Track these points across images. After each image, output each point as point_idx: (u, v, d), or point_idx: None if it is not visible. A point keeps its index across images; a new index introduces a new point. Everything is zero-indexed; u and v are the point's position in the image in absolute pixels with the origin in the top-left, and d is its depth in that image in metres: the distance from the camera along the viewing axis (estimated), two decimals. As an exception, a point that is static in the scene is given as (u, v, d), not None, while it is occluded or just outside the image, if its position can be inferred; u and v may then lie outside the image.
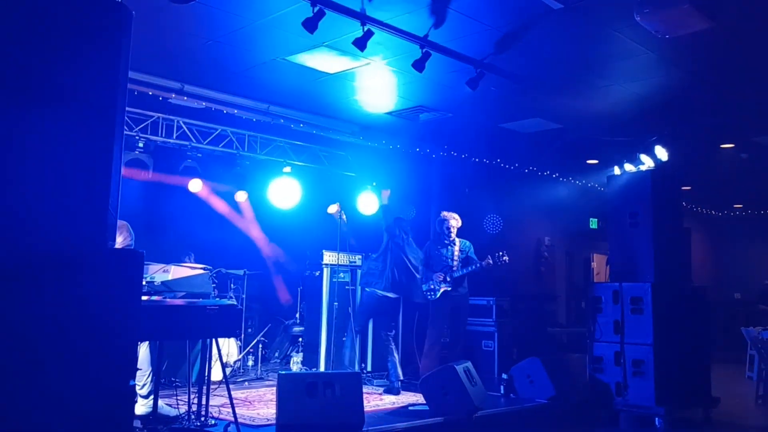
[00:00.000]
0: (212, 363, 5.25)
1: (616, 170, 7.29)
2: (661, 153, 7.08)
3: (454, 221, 7.46)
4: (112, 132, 2.75)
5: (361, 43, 5.43)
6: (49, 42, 2.63)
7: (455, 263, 7.35)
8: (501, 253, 7.20)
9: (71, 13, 2.69)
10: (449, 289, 7.26)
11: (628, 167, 7.20)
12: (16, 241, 2.49)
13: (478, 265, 7.26)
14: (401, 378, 7.18)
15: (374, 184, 9.48)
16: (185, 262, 7.51)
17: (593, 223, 12.84)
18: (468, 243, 7.54)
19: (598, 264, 13.41)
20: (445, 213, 7.56)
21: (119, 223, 5.02)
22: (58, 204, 2.59)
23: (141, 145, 7.18)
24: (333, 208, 7.31)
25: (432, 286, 7.34)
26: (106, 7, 2.80)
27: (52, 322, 2.47)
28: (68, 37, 2.68)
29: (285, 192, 8.43)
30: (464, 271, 7.29)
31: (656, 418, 6.21)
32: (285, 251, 9.15)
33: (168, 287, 5.14)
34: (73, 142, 2.65)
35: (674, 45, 5.85)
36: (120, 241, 5.09)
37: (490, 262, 7.23)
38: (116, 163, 2.78)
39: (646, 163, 7.13)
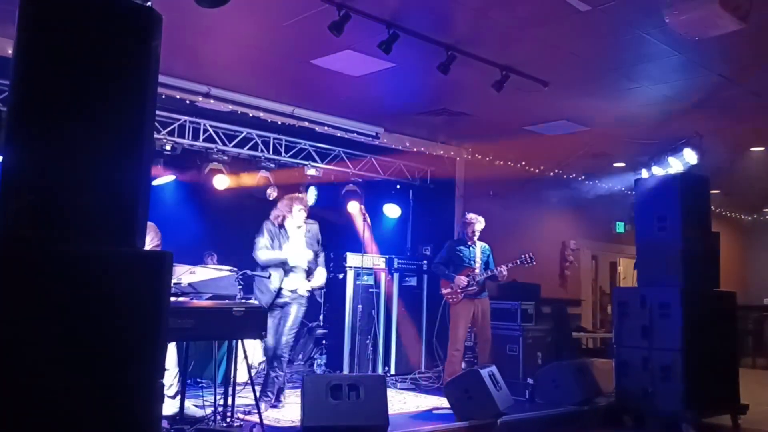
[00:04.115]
0: (238, 364, 5.28)
1: (644, 173, 7.20)
2: (690, 156, 6.99)
3: (479, 224, 7.41)
4: (141, 135, 2.76)
5: (386, 46, 5.45)
6: (80, 48, 2.65)
7: (477, 265, 7.29)
8: (529, 255, 7.12)
9: (101, 18, 2.70)
10: (472, 292, 7.21)
11: (656, 170, 7.11)
12: (46, 241, 2.52)
13: (495, 270, 7.19)
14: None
15: (398, 186, 9.49)
16: (207, 262, 7.57)
17: (620, 227, 12.73)
18: (488, 246, 7.46)
19: (625, 268, 13.29)
20: (471, 215, 7.49)
21: (147, 224, 5.08)
22: (87, 205, 2.61)
23: (168, 147, 7.24)
24: (354, 207, 7.17)
25: (454, 289, 7.29)
26: (136, 12, 2.81)
27: (81, 322, 2.48)
28: (98, 41, 2.68)
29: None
30: (486, 274, 7.21)
31: (684, 424, 6.12)
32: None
33: (195, 289, 5.20)
34: (102, 146, 2.66)
35: (704, 47, 5.76)
36: (147, 242, 5.14)
37: (504, 274, 7.10)
38: (145, 165, 2.79)
39: (675, 166, 7.05)
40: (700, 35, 5.27)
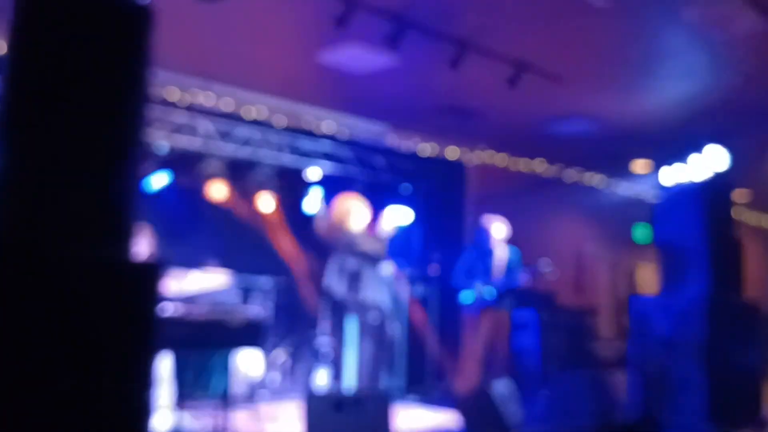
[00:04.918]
0: (235, 376, 5.17)
1: (665, 176, 7.02)
2: (714, 158, 6.81)
3: (497, 227, 7.13)
4: (132, 136, 2.73)
5: (393, 41, 5.39)
6: (71, 46, 2.62)
7: (498, 273, 7.02)
8: (545, 262, 6.86)
9: (93, 15, 2.68)
10: (490, 301, 6.98)
11: (678, 173, 6.92)
12: (30, 246, 2.47)
13: (518, 276, 6.93)
14: None
15: (405, 188, 9.31)
16: (208, 269, 7.41)
17: (639, 233, 12.51)
18: (516, 249, 7.15)
19: (644, 276, 13.10)
20: (488, 218, 7.23)
21: (143, 227, 4.96)
22: (74, 209, 2.57)
23: (164, 147, 7.10)
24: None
25: (472, 298, 7.03)
26: (128, 8, 2.77)
27: (66, 330, 2.42)
28: (90, 39, 2.65)
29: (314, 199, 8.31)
30: (505, 281, 6.96)
31: (705, 440, 5.94)
32: (312, 260, 8.98)
33: (191, 296, 5.11)
34: (91, 146, 2.62)
35: (726, 43, 5.70)
36: (143, 246, 5.04)
37: (523, 283, 6.92)
38: (136, 166, 2.76)
39: (698, 168, 6.86)
40: (722, 31, 5.24)
